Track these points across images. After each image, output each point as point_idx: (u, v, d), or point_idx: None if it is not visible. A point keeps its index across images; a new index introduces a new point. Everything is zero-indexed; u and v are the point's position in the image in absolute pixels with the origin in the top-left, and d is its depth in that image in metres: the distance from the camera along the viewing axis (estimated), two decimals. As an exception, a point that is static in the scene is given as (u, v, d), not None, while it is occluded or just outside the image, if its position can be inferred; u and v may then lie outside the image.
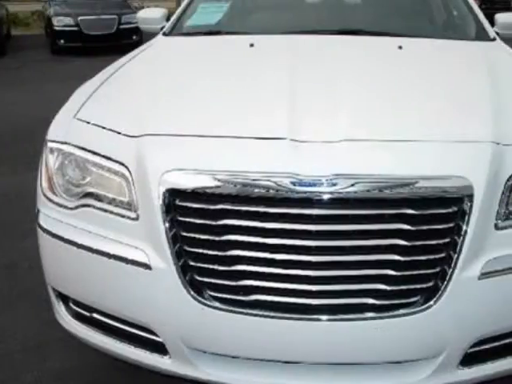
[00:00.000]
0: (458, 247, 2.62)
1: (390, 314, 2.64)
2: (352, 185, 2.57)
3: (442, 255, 2.63)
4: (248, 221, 2.63)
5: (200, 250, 2.68)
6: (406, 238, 2.61)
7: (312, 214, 2.59)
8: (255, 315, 2.66)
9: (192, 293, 2.69)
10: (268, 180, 2.60)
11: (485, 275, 2.67)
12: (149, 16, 5.26)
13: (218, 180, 2.63)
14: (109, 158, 2.91)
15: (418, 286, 2.64)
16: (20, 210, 5.91)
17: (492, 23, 4.81)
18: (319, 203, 2.58)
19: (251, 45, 4.10)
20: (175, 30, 4.83)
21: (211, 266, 2.68)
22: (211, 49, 4.37)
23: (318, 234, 2.59)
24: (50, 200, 3.09)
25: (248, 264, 2.65)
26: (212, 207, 2.64)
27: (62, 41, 19.33)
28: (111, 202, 2.90)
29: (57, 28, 19.40)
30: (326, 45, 4.20)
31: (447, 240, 2.63)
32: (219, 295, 2.69)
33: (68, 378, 3.68)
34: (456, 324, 2.71)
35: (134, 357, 3.00)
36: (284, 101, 3.06)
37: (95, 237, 2.90)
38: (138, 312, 2.86)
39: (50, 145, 3.14)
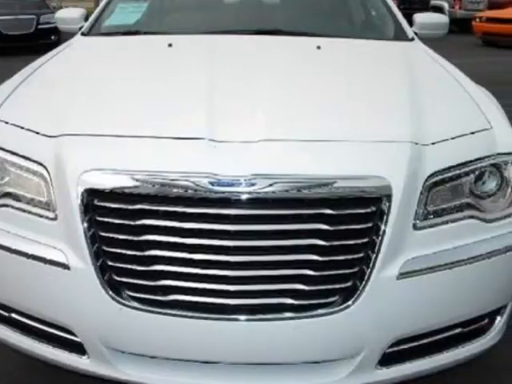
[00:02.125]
0: (377, 247, 2.64)
1: (309, 313, 2.64)
2: (270, 185, 2.57)
3: (361, 255, 2.65)
4: (166, 221, 2.62)
5: (118, 250, 2.67)
6: (325, 238, 2.61)
7: (230, 214, 2.59)
8: (174, 315, 2.65)
9: (110, 293, 2.67)
10: (186, 180, 2.59)
11: (403, 275, 2.70)
12: (67, 16, 5.20)
13: (137, 180, 2.62)
14: (27, 158, 2.87)
15: (337, 286, 2.65)
16: None
17: (410, 23, 4.86)
18: (237, 203, 2.58)
19: (169, 45, 4.07)
20: (93, 30, 4.77)
21: (130, 266, 2.67)
22: (129, 49, 4.34)
23: (236, 234, 2.59)
24: (-32, 200, 3.04)
25: (166, 264, 2.64)
26: (130, 207, 2.63)
27: (-20, 41, 19.17)
28: (30, 202, 2.86)
29: (-25, 28, 19.25)
30: (245, 45, 4.20)
31: (366, 240, 2.65)
32: (138, 295, 2.68)
33: (-14, 378, 3.63)
34: (374, 324, 2.72)
35: (52, 357, 2.97)
36: (202, 101, 3.06)
37: (14, 237, 2.86)
38: (57, 312, 2.84)
39: None
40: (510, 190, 2.95)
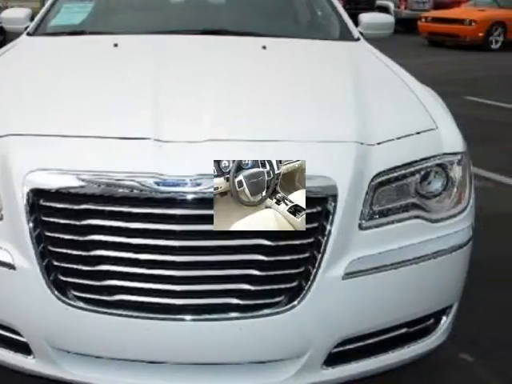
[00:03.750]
0: (322, 247, 2.65)
1: (254, 313, 2.65)
2: None
3: (306, 255, 2.65)
4: (112, 221, 2.62)
5: (64, 250, 2.65)
6: (270, 238, 2.61)
7: (176, 214, 2.58)
8: (119, 315, 2.65)
9: (56, 293, 2.66)
10: (132, 180, 2.59)
11: (349, 275, 2.71)
12: (13, 16, 5.16)
13: (82, 180, 2.61)
14: None
15: (282, 286, 2.66)
16: None
17: (356, 23, 4.88)
18: (183, 203, 2.58)
19: (115, 45, 4.05)
20: (39, 30, 4.72)
21: (75, 266, 2.65)
22: (75, 49, 4.30)
23: (182, 233, 2.59)
24: None
25: (112, 264, 2.63)
26: (76, 207, 2.62)
27: None
28: None
29: None
30: (191, 45, 4.20)
31: (311, 240, 2.65)
32: (83, 295, 2.67)
33: None
34: (320, 324, 2.74)
35: None
36: (148, 101, 3.05)
37: None
38: (2, 312, 2.82)
39: None
40: (455, 190, 2.99)
